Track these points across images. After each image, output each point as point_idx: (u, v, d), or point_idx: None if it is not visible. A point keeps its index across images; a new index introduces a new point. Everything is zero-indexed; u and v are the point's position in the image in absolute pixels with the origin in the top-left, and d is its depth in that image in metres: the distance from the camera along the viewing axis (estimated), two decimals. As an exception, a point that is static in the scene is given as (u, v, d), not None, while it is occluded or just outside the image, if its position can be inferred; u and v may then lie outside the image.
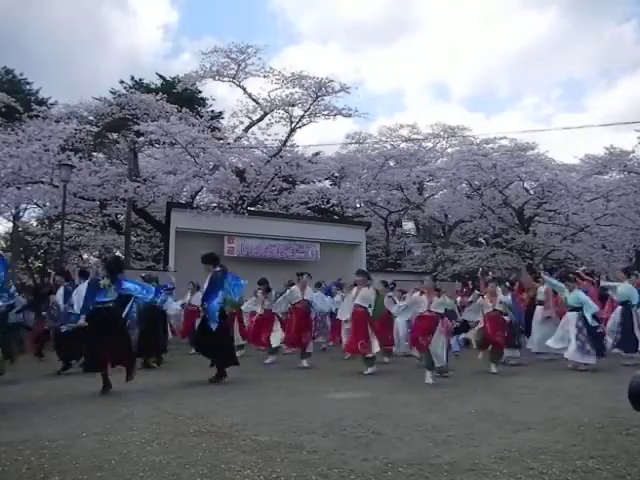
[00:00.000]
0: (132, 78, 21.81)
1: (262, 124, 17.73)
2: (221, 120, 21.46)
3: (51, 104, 20.01)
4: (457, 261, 19.52)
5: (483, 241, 23.93)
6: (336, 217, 22.12)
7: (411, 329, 8.64)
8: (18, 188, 14.75)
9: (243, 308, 10.22)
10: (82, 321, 6.34)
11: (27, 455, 3.61)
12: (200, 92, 22.24)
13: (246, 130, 18.06)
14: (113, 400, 5.72)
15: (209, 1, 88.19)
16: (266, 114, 17.76)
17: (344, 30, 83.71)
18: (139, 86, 20.70)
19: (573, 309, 8.38)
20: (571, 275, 9.69)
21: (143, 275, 9.38)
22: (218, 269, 7.22)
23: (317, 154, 23.48)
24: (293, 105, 17.56)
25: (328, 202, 21.56)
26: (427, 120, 69.10)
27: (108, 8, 66.96)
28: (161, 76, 22.33)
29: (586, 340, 8.00)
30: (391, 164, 22.13)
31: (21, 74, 21.86)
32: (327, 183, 24.25)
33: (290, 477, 3.15)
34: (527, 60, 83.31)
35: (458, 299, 12.08)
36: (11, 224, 22.18)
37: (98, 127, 16.80)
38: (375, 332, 8.17)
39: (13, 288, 9.94)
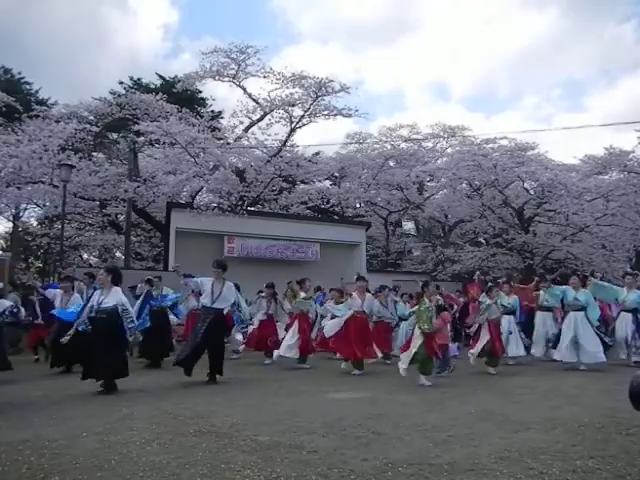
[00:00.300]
0: (132, 78, 21.87)
1: (262, 124, 17.73)
2: (221, 120, 21.48)
3: (51, 104, 20.01)
4: (457, 261, 19.49)
5: (483, 241, 23.87)
6: (336, 217, 22.09)
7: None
8: (18, 188, 14.74)
9: (254, 321, 9.42)
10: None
11: (27, 455, 3.61)
12: (200, 92, 22.25)
13: (246, 130, 18.04)
14: (113, 400, 5.72)
15: (209, 1, 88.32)
16: (266, 114, 17.73)
17: (344, 30, 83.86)
18: (139, 86, 20.69)
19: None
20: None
21: (149, 278, 9.16)
22: (232, 284, 7.39)
23: (317, 154, 23.48)
24: (293, 105, 17.55)
25: (328, 202, 21.54)
26: (427, 120, 69.30)
27: (108, 8, 67.07)
28: (161, 76, 22.36)
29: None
30: (391, 164, 22.13)
31: (19, 73, 21.88)
32: (327, 183, 24.21)
33: (290, 477, 3.15)
34: (527, 60, 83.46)
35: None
36: (11, 224, 22.20)
37: (98, 127, 16.74)
38: (374, 338, 8.25)
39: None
